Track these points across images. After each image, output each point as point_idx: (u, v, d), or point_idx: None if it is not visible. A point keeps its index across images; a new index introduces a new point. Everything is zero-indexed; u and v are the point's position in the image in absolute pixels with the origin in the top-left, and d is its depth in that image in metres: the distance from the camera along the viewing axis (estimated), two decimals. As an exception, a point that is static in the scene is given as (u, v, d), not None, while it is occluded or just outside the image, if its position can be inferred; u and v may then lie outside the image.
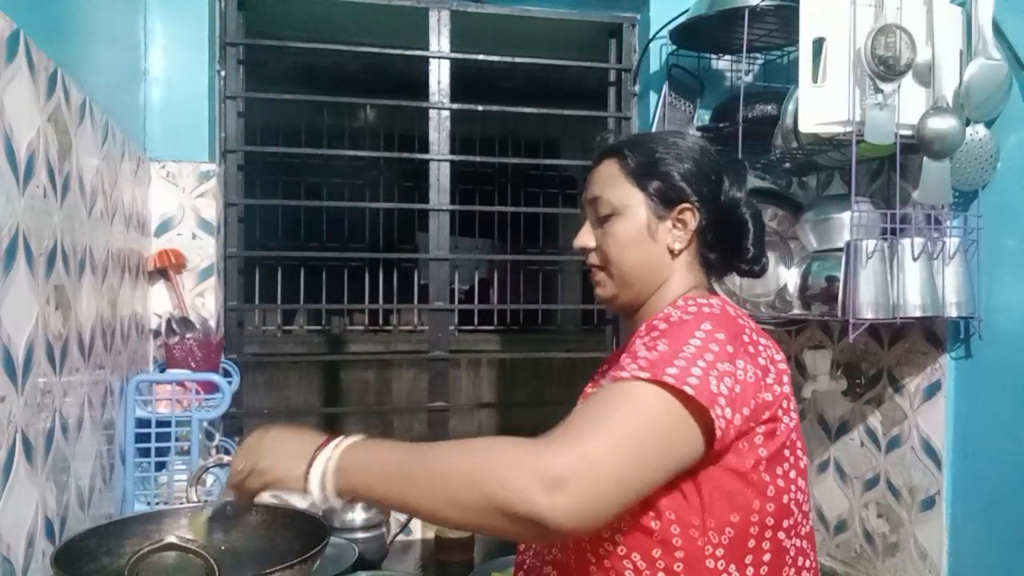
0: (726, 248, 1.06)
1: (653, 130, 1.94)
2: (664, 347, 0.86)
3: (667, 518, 0.87)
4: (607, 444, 0.78)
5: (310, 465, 0.86)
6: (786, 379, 0.94)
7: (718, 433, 0.82)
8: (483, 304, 5.42)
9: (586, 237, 1.08)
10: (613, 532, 0.89)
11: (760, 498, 0.88)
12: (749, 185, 1.09)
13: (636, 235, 1.02)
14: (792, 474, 0.92)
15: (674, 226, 1.03)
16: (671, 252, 1.03)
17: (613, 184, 1.04)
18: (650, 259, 1.03)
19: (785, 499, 0.91)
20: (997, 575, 1.41)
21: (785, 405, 0.92)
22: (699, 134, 1.83)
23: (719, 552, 0.87)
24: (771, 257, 1.41)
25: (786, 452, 0.92)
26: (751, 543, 0.89)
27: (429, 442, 0.89)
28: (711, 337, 0.87)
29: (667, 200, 1.02)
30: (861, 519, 1.71)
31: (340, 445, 0.87)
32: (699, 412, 0.82)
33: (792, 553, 0.93)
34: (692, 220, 1.02)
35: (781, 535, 0.91)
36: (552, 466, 0.75)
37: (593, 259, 1.07)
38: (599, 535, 0.89)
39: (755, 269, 1.07)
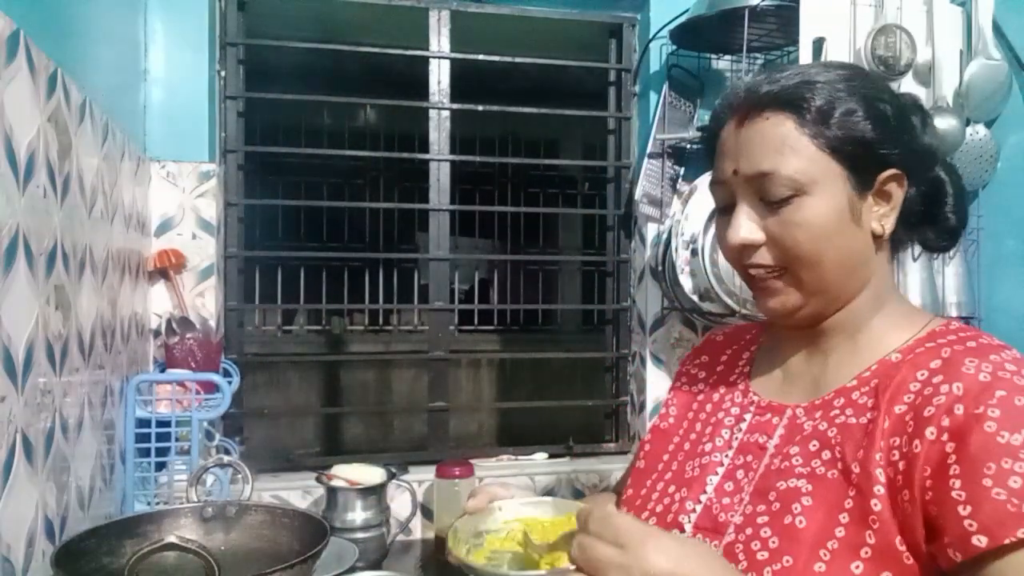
0: (924, 219, 0.81)
1: (654, 131, 1.88)
2: None
3: None
4: None
5: None
6: None
7: None
8: (483, 304, 5.42)
9: (751, 228, 0.76)
10: None
11: None
12: None
13: (836, 222, 0.73)
14: None
15: (876, 202, 0.76)
16: (875, 238, 0.76)
17: (792, 151, 0.73)
18: (853, 252, 0.75)
19: None
20: (997, 575, 1.41)
21: None
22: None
23: None
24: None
25: None
26: None
27: None
28: None
29: (868, 166, 0.74)
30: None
31: None
32: None
33: None
34: (899, 191, 0.76)
35: None
36: None
37: (763, 258, 0.77)
38: None
39: (954, 242, 0.83)
